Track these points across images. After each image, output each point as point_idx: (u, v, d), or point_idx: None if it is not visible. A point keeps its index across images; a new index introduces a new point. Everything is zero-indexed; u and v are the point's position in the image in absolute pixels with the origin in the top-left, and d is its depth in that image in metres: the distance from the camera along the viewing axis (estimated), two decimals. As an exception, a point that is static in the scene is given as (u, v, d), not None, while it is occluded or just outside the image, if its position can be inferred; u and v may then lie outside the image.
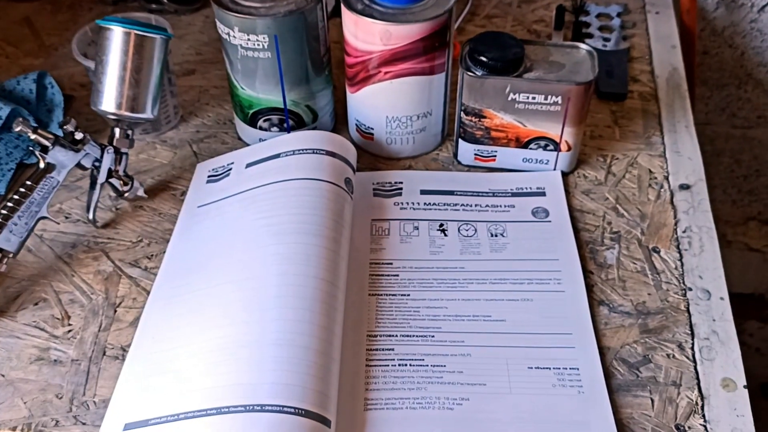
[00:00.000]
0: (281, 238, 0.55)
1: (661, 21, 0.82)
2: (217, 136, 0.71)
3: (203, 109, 0.74)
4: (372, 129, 0.66)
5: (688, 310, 0.55)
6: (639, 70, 0.76)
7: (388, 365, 0.52)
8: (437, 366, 0.52)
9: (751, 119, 1.03)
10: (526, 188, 0.65)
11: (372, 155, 0.68)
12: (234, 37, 0.60)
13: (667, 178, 0.65)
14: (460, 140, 0.66)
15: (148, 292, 0.57)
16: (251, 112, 0.66)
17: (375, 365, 0.52)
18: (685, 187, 0.64)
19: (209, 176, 0.65)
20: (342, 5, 0.60)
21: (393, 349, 0.53)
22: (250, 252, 0.55)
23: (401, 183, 0.65)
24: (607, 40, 0.79)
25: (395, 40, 0.59)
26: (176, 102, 0.71)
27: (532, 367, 0.52)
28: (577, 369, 0.52)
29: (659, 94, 0.74)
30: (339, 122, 0.71)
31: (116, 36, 0.58)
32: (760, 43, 0.96)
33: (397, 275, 0.58)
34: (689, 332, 0.54)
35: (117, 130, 0.61)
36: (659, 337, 0.53)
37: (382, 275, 0.58)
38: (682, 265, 0.58)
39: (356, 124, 0.68)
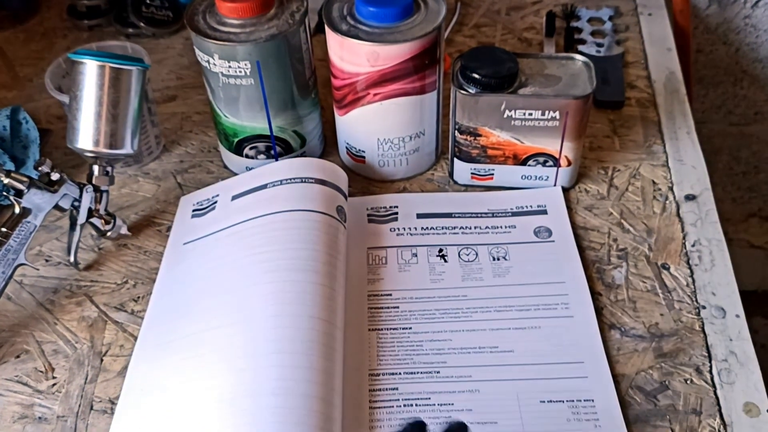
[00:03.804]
0: (273, 276, 0.52)
1: (654, 23, 0.80)
2: (202, 165, 0.68)
3: (186, 137, 0.71)
4: (363, 152, 0.64)
5: (703, 330, 0.53)
6: (635, 76, 0.74)
7: (392, 406, 0.49)
8: (444, 405, 0.49)
9: (748, 116, 1.01)
10: (527, 207, 0.62)
11: (364, 178, 0.66)
12: (214, 64, 0.57)
13: (671, 188, 0.63)
14: (455, 159, 0.63)
15: (136, 338, 0.54)
16: (236, 140, 0.63)
17: (379, 407, 0.49)
18: (690, 197, 0.62)
19: (194, 210, 0.62)
20: (326, 26, 0.57)
21: (397, 389, 0.50)
22: (241, 292, 0.52)
23: (396, 207, 0.63)
24: (600, 45, 0.76)
25: (383, 60, 0.56)
26: (158, 131, 0.68)
27: (544, 401, 0.49)
28: (592, 401, 0.49)
29: (657, 99, 0.71)
30: (328, 145, 0.69)
31: (90, 70, 0.55)
32: (755, 39, 0.93)
33: (397, 307, 0.55)
34: (706, 354, 0.51)
35: (96, 168, 0.58)
36: (675, 361, 0.51)
37: (382, 308, 0.55)
38: (694, 281, 0.56)
39: (346, 147, 0.65)
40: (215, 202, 0.61)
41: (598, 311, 0.54)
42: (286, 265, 0.53)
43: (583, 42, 0.77)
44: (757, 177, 1.09)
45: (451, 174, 0.65)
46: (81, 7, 0.82)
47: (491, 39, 0.80)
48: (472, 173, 0.63)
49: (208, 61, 0.58)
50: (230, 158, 0.65)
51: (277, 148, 0.63)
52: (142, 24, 0.80)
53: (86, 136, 0.56)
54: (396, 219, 0.62)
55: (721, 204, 1.13)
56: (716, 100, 1.00)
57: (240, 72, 0.57)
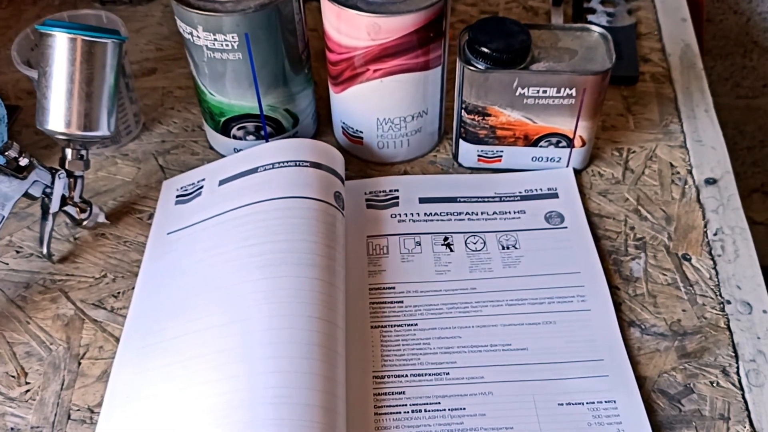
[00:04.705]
0: (267, 272, 0.48)
1: (667, -9, 0.75)
2: (186, 145, 0.63)
3: (168, 114, 0.65)
4: (361, 132, 0.59)
5: (728, 328, 0.49)
6: (649, 48, 0.69)
7: (399, 412, 0.46)
8: (456, 410, 0.46)
9: (756, 89, 0.97)
10: (537, 190, 0.58)
11: (362, 160, 0.61)
12: (198, 37, 0.52)
13: (690, 172, 0.59)
14: (460, 141, 0.59)
15: (117, 339, 0.49)
16: (223, 119, 0.58)
17: (385, 413, 0.46)
18: (711, 181, 0.58)
19: (178, 196, 0.57)
20: (321, -6, 0.52)
21: (404, 393, 0.47)
22: (233, 289, 0.48)
23: (397, 191, 0.58)
24: (611, 15, 0.72)
25: (385, 34, 0.51)
26: (136, 109, 0.63)
27: (562, 404, 0.46)
28: (614, 402, 0.46)
29: (673, 74, 0.67)
30: (322, 123, 0.64)
31: (60, 43, 0.49)
32: (767, 9, 0.89)
33: (401, 302, 0.51)
34: (733, 354, 0.48)
35: (69, 151, 0.52)
36: (700, 361, 0.48)
37: (385, 303, 0.51)
38: (717, 274, 0.52)
39: (342, 127, 0.60)
40: (201, 187, 0.56)
41: (617, 306, 0.50)
42: (281, 258, 0.48)
43: (592, 11, 0.72)
44: (762, 152, 1.05)
45: (455, 156, 0.60)
46: (51, -29, 0.76)
47: (494, 8, 0.74)
48: (479, 155, 0.59)
49: (191, 33, 0.52)
50: (216, 139, 0.60)
51: (267, 128, 0.58)
52: (118, -10, 0.74)
53: (57, 117, 0.51)
54: (397, 204, 0.57)
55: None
56: (724, 72, 0.96)
57: (227, 45, 0.52)
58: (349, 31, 0.52)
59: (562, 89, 0.53)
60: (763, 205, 1.11)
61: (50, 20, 0.50)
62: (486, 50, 0.53)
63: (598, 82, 0.53)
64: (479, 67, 0.53)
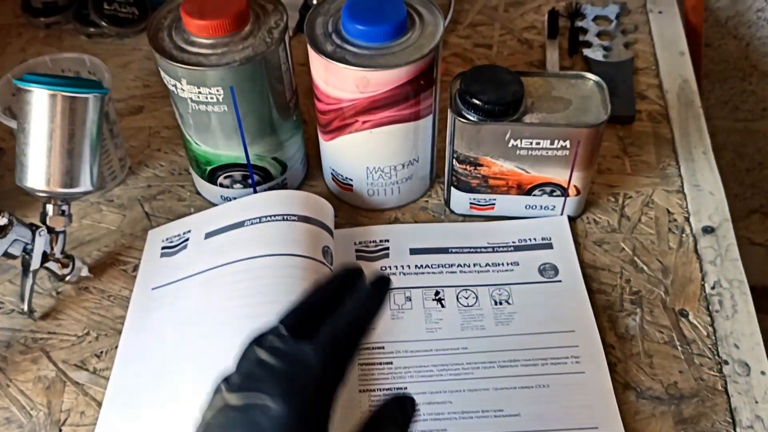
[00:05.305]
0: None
1: (664, 22, 0.74)
2: (172, 190, 0.61)
3: (154, 156, 0.64)
4: (351, 180, 0.57)
5: (726, 391, 0.48)
6: (645, 84, 0.68)
7: (387, 485, 0.44)
8: (445, 482, 0.45)
9: (755, 112, 0.96)
10: (531, 239, 0.57)
11: (352, 206, 0.60)
12: (182, 89, 0.51)
13: (687, 219, 0.58)
14: (452, 189, 0.57)
15: (99, 404, 0.48)
16: (209, 168, 0.56)
17: (372, 485, 0.44)
18: (709, 230, 0.57)
19: (164, 248, 0.56)
20: (309, 46, 0.50)
21: (392, 463, 0.45)
22: (218, 356, 0.46)
23: (387, 241, 0.57)
24: (607, 49, 0.70)
25: (374, 87, 0.50)
26: (122, 153, 0.61)
27: (554, 476, 0.45)
28: (607, 474, 0.45)
29: (670, 113, 0.66)
30: (312, 166, 0.62)
31: (39, 99, 0.48)
32: (767, 33, 0.87)
33: (391, 363, 0.50)
34: (730, 419, 0.47)
35: (50, 207, 0.51)
36: (696, 428, 0.46)
37: (374, 364, 0.50)
38: (715, 331, 0.51)
39: (332, 174, 0.59)
40: (187, 239, 0.55)
41: (611, 366, 0.49)
42: (266, 321, 0.47)
43: (588, 45, 0.71)
44: (761, 173, 1.04)
45: (447, 202, 0.59)
46: (36, 2, 0.74)
47: (488, 40, 0.73)
48: (471, 203, 0.57)
49: (175, 86, 0.51)
50: (203, 186, 0.59)
51: (255, 176, 0.57)
52: (104, 23, 0.72)
53: (37, 175, 0.49)
54: (387, 255, 0.56)
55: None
56: (723, 96, 0.95)
57: (211, 98, 0.51)
58: (337, 83, 0.51)
59: (556, 141, 0.52)
60: (762, 226, 1.10)
61: (29, 74, 0.49)
62: (478, 102, 0.51)
63: (592, 134, 0.52)
64: (471, 118, 0.52)
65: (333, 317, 0.33)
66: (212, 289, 0.50)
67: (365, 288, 0.35)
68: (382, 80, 0.49)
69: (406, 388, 0.49)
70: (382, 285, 0.35)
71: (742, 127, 0.98)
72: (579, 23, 0.73)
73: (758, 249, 1.12)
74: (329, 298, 0.34)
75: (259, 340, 0.32)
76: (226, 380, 0.32)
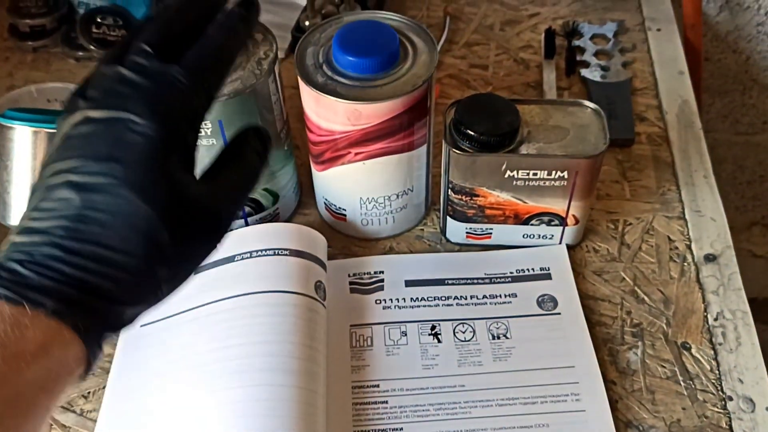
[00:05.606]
0: (244, 379, 0.45)
1: (663, 40, 0.72)
2: (162, 221, 0.60)
3: (144, 185, 0.62)
4: (344, 210, 0.56)
5: (731, 429, 0.47)
6: (644, 106, 0.67)
7: None
8: None
9: (756, 125, 0.95)
10: (529, 270, 0.55)
11: (345, 236, 0.58)
12: (169, 123, 0.49)
13: (689, 246, 0.56)
14: (448, 218, 0.56)
15: (87, 449, 0.47)
16: (199, 200, 0.55)
17: None
18: (711, 258, 0.55)
19: (154, 283, 0.54)
20: (299, 78, 0.49)
21: None
22: (208, 399, 0.45)
23: (382, 272, 0.55)
24: (605, 69, 0.69)
25: (366, 119, 0.48)
26: (110, 183, 0.60)
27: None
28: None
29: (670, 135, 0.64)
30: (305, 194, 0.61)
31: (21, 136, 0.47)
32: (767, 47, 0.86)
33: (386, 402, 0.49)
34: (735, 459, 0.45)
35: (35, 245, 0.50)
36: (701, 469, 0.45)
37: (368, 403, 0.49)
38: (718, 365, 0.50)
39: (325, 203, 0.57)
40: (176, 274, 0.54)
41: (612, 403, 0.48)
42: (258, 364, 0.46)
43: (586, 65, 0.69)
44: (762, 186, 1.03)
45: (443, 231, 0.58)
46: (23, 26, 0.73)
47: (484, 60, 0.72)
48: (467, 232, 0.56)
49: (161, 119, 0.50)
50: (193, 217, 0.57)
51: (246, 208, 0.55)
52: (92, 46, 0.71)
53: (20, 213, 0.48)
54: (382, 288, 0.55)
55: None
56: (723, 110, 0.93)
57: (200, 133, 0.49)
58: (328, 115, 0.49)
59: (554, 172, 0.51)
60: (764, 239, 1.09)
61: (11, 110, 0.47)
62: (472, 133, 0.50)
63: (591, 164, 0.50)
64: (466, 149, 0.50)
65: (200, 41, 0.31)
66: (200, 330, 0.49)
67: (234, 11, 0.32)
68: (374, 113, 0.48)
69: (402, 429, 0.47)
70: (250, 5, 0.33)
71: (742, 141, 0.97)
72: (576, 42, 0.72)
73: (759, 261, 1.11)
74: (191, 20, 0.32)
75: (118, 59, 0.29)
76: (82, 96, 0.29)
